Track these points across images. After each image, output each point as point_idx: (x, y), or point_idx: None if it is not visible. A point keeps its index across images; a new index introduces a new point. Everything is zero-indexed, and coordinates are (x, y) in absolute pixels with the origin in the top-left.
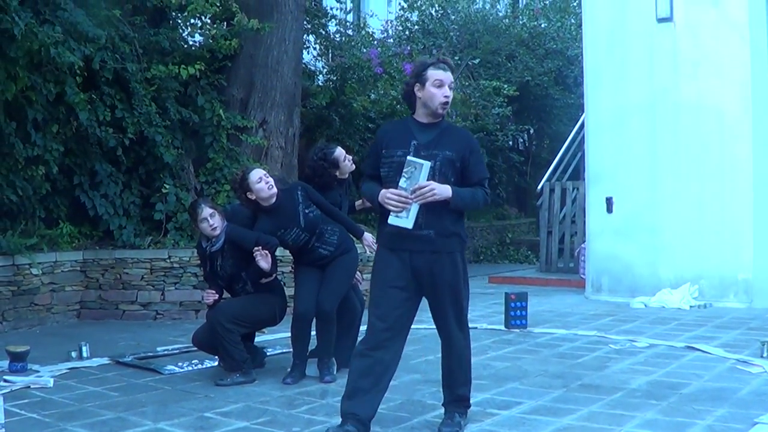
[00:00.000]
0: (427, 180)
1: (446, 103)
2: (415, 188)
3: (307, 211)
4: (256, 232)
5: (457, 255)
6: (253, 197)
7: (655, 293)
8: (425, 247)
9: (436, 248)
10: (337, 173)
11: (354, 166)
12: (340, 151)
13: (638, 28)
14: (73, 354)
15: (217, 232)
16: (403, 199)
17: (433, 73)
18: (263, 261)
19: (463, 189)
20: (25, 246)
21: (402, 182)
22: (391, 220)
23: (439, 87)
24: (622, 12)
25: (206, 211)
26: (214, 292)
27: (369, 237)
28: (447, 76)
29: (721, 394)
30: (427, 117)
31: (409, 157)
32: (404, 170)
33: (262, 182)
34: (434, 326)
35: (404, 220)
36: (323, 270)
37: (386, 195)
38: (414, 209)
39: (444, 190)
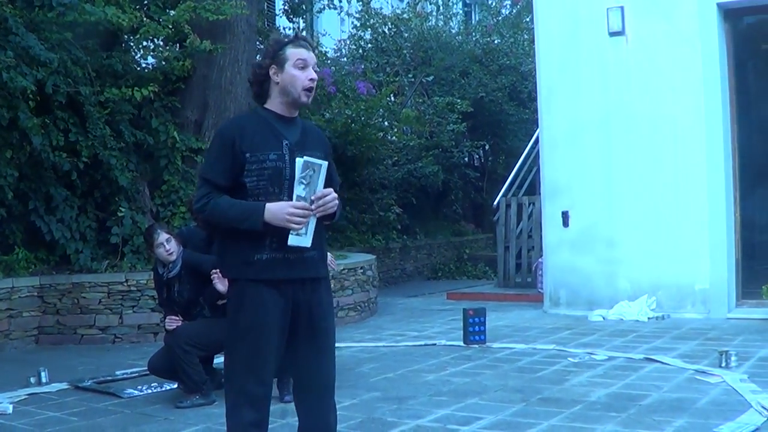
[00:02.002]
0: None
1: (311, 88)
2: (319, 196)
3: None
4: (213, 256)
5: (328, 282)
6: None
7: (613, 306)
8: (309, 274)
9: (319, 274)
10: None
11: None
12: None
13: (591, 42)
14: (32, 380)
15: (174, 257)
16: (308, 213)
17: (294, 52)
18: (221, 284)
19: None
20: None
21: (300, 190)
22: (292, 240)
23: (302, 69)
24: (575, 27)
25: (162, 236)
26: (177, 317)
27: (328, 256)
28: (311, 56)
29: (680, 404)
30: (285, 108)
31: (306, 158)
32: (301, 175)
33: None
34: (393, 344)
35: (304, 237)
36: None
37: (289, 211)
38: (312, 224)
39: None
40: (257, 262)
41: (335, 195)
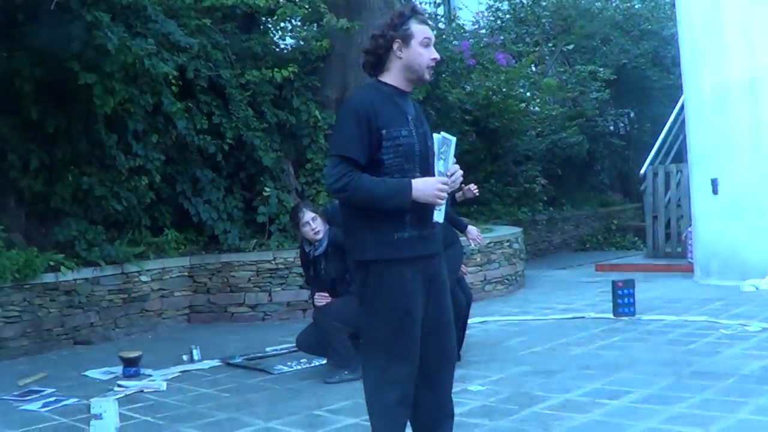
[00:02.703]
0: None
1: (433, 67)
2: (452, 171)
3: None
4: None
5: None
6: None
7: (766, 275)
8: (438, 250)
9: (441, 250)
10: None
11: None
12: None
13: (735, 4)
14: (185, 357)
15: (320, 235)
16: (447, 188)
17: (420, 29)
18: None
19: None
20: (133, 254)
21: (440, 166)
22: (435, 216)
23: (426, 47)
24: None
25: (308, 215)
26: (325, 294)
27: (473, 230)
28: (432, 34)
29: None
30: (407, 83)
31: (443, 134)
32: (440, 150)
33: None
34: (541, 317)
35: (440, 213)
36: None
37: (439, 186)
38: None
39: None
40: (398, 241)
41: (461, 172)
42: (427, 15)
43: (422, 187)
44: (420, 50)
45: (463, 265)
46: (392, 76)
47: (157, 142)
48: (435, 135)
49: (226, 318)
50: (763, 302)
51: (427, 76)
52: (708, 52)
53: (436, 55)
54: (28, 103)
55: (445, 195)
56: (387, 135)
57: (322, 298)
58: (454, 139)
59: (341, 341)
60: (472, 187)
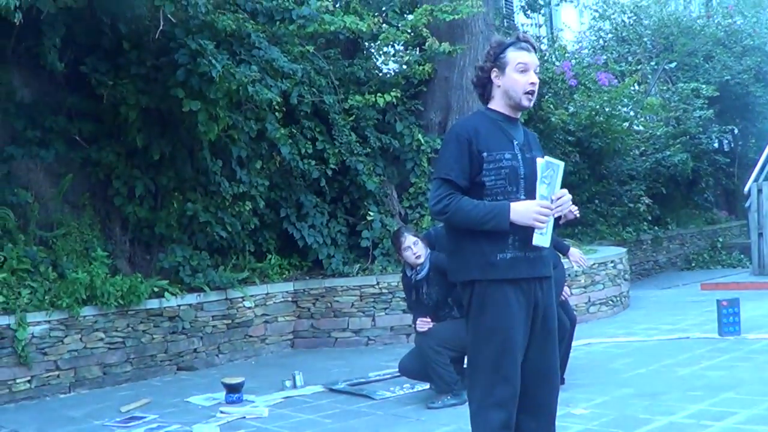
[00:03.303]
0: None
1: (532, 92)
2: (559, 196)
3: None
4: None
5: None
6: None
7: None
8: (546, 273)
9: (551, 273)
10: None
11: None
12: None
13: None
14: (287, 383)
15: (422, 260)
16: (550, 212)
17: (515, 56)
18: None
19: None
20: (237, 280)
21: (543, 190)
22: (536, 239)
23: (523, 72)
24: None
25: (409, 239)
26: (428, 319)
27: (576, 252)
28: (532, 59)
29: None
30: (509, 110)
31: (547, 158)
32: (543, 174)
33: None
34: (646, 338)
35: (545, 237)
36: None
37: (537, 209)
38: (551, 223)
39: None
40: (500, 261)
41: (570, 197)
42: (530, 41)
43: (521, 209)
44: (515, 77)
45: (566, 287)
46: (497, 103)
47: (261, 167)
48: (538, 159)
49: (330, 343)
50: None
51: (525, 102)
52: None
53: (534, 80)
54: (134, 131)
55: (545, 219)
56: (488, 157)
57: (424, 324)
58: (561, 165)
59: (444, 366)
60: (573, 208)
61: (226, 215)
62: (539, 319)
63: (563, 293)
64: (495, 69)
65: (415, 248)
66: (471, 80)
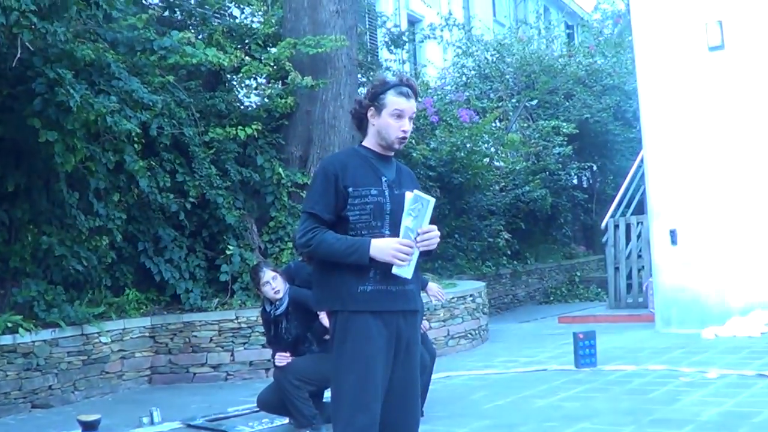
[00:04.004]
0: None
1: (404, 138)
2: (425, 231)
3: None
4: None
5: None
6: None
7: (725, 322)
8: (410, 306)
9: (417, 307)
10: None
11: None
12: None
13: (691, 57)
14: (145, 420)
15: (280, 294)
16: (410, 250)
17: (394, 101)
18: (328, 318)
19: None
20: (93, 315)
21: (410, 222)
22: (396, 269)
23: (398, 118)
24: (674, 43)
25: (268, 274)
26: (286, 354)
27: (434, 286)
28: (409, 106)
29: None
30: (381, 148)
31: (416, 192)
32: (411, 207)
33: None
34: (504, 371)
35: (406, 269)
36: None
37: (395, 247)
38: (415, 256)
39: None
40: (361, 294)
41: (438, 233)
42: (413, 86)
43: (381, 246)
44: (389, 121)
45: (425, 321)
46: (369, 141)
47: (119, 200)
48: (407, 192)
49: (188, 378)
50: (722, 349)
51: (397, 146)
52: (666, 106)
53: (407, 127)
54: None
55: (404, 256)
56: (354, 193)
57: (282, 358)
58: (431, 201)
59: (302, 400)
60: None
61: (83, 249)
62: (402, 353)
63: (422, 326)
64: (372, 108)
65: (273, 283)
66: (350, 111)
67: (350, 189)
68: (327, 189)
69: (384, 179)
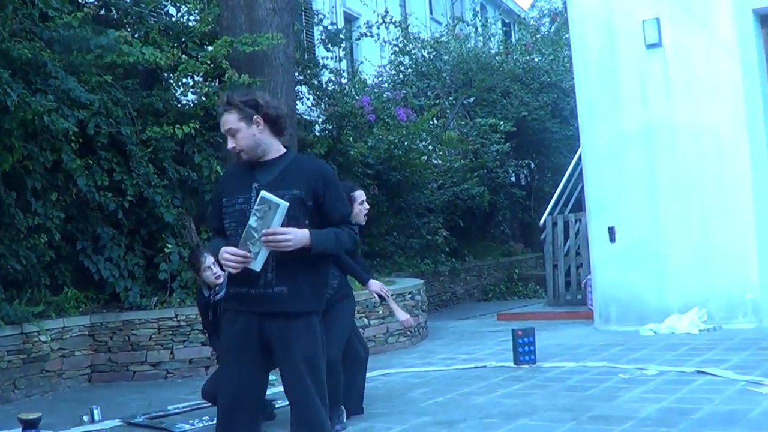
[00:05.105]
0: (282, 224)
1: (239, 152)
2: (269, 233)
3: None
4: None
5: (314, 317)
6: None
7: (664, 319)
8: (275, 309)
9: (289, 309)
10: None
11: (365, 217)
12: (360, 193)
13: (628, 55)
14: (85, 418)
15: (221, 280)
16: (242, 260)
17: (221, 122)
18: None
19: (323, 231)
20: (33, 314)
21: (253, 221)
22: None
23: (230, 135)
24: (611, 41)
25: (209, 259)
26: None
27: (375, 284)
28: (223, 122)
29: (732, 417)
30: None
31: (263, 193)
32: (256, 207)
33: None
34: (444, 368)
35: (254, 263)
36: (324, 314)
37: (222, 255)
38: (263, 254)
39: (301, 237)
40: (230, 294)
41: (289, 238)
42: (223, 103)
43: (217, 252)
44: (230, 140)
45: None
46: None
47: (57, 199)
48: (261, 193)
49: (128, 377)
50: (661, 346)
51: (245, 158)
52: (603, 103)
53: (230, 145)
54: None
55: (232, 264)
56: (226, 202)
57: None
58: (281, 205)
59: None
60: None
61: (21, 248)
62: (279, 352)
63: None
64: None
65: (214, 268)
66: None
67: (224, 199)
68: (215, 201)
69: (255, 185)
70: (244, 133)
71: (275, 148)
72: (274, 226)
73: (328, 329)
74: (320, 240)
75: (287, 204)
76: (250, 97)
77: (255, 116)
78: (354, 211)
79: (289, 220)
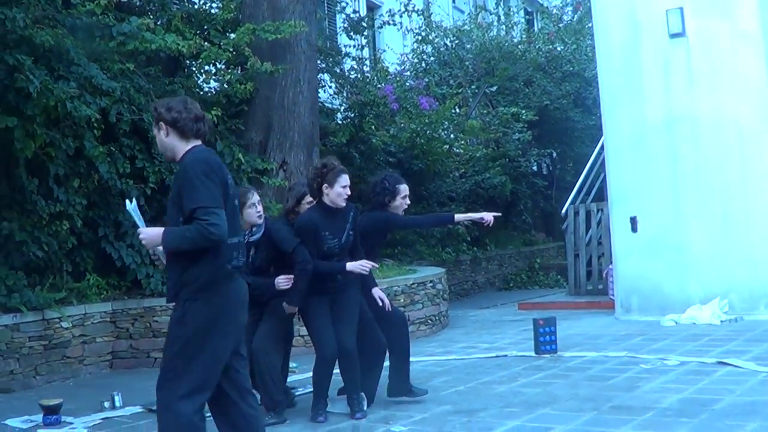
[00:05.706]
0: (145, 225)
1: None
2: (139, 231)
3: (350, 231)
4: (297, 241)
5: (187, 304)
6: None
7: (685, 310)
8: (167, 297)
9: (170, 300)
10: (390, 204)
11: (404, 213)
12: (404, 188)
13: (651, 45)
14: (106, 404)
15: (261, 220)
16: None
17: None
18: (284, 284)
19: (176, 229)
20: (55, 300)
21: (137, 221)
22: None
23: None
24: (635, 30)
25: (255, 197)
26: (291, 276)
27: (377, 290)
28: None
29: (753, 408)
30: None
31: (128, 202)
32: (133, 209)
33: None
34: (464, 357)
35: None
36: (331, 304)
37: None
38: (140, 221)
39: (152, 236)
40: None
41: (141, 237)
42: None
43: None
44: None
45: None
46: None
47: (79, 186)
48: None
49: (149, 363)
50: (682, 336)
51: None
52: (626, 93)
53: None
54: None
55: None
56: None
57: (286, 280)
58: (130, 205)
59: (275, 379)
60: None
61: (43, 234)
62: None
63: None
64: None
65: (259, 206)
66: None
67: None
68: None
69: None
70: (158, 139)
71: (181, 150)
72: (141, 227)
73: (338, 319)
74: (168, 238)
75: (132, 204)
76: (154, 105)
77: (160, 122)
78: (395, 203)
79: (168, 220)
